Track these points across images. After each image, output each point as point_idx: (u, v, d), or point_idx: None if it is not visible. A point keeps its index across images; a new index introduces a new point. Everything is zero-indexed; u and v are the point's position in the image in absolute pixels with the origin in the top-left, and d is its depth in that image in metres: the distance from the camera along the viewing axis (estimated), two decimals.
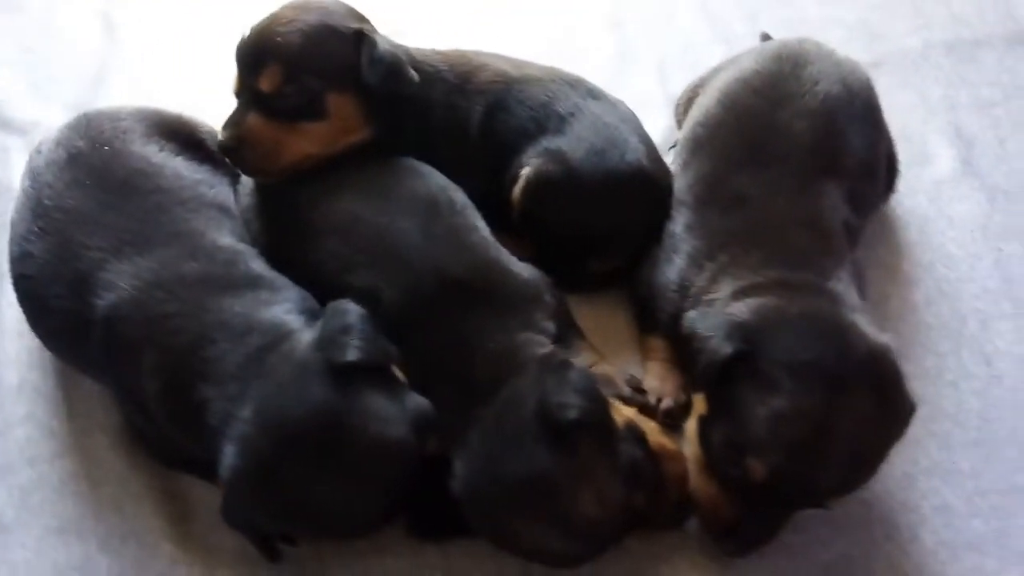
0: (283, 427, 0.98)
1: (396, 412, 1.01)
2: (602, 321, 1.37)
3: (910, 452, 1.22)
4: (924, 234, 1.46)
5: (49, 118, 1.64)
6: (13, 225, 1.25)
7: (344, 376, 1.00)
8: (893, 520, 1.17)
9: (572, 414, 1.00)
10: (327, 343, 1.01)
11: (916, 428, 1.22)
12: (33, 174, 1.25)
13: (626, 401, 1.21)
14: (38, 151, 1.28)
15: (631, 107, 1.52)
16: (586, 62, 1.74)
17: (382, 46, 1.27)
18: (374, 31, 1.30)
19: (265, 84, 1.23)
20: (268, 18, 1.28)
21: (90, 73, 1.78)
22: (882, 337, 1.05)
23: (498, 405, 1.05)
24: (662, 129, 1.58)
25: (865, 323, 1.06)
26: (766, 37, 1.67)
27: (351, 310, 1.06)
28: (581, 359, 1.25)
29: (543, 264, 1.31)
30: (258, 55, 1.24)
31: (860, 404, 0.99)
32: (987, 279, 1.40)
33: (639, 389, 1.25)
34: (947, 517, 1.18)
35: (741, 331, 1.03)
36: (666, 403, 1.23)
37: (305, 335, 1.05)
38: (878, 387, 1.01)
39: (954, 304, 1.38)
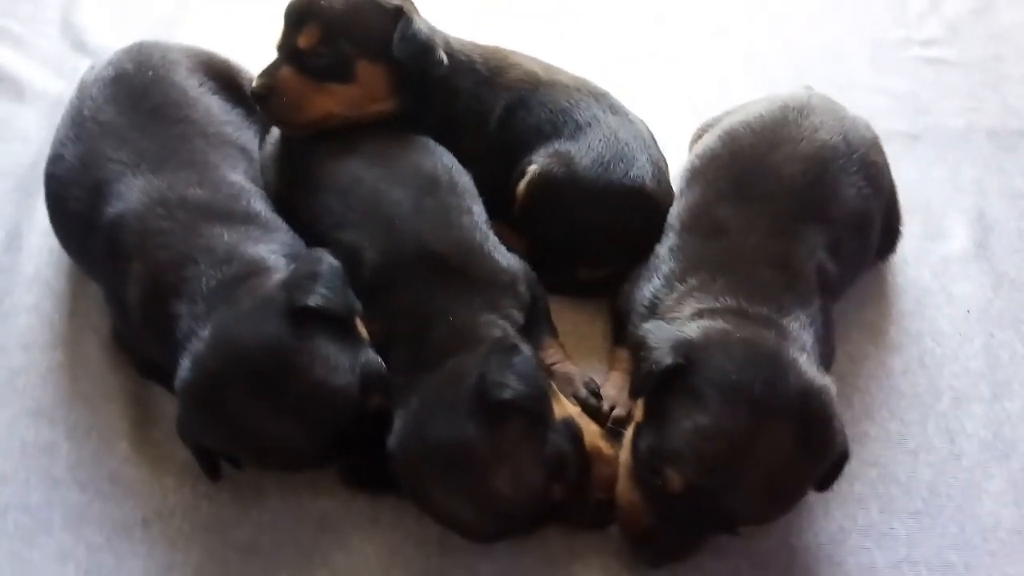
0: (233, 352, 1.04)
1: (345, 362, 1.07)
2: (581, 326, 1.40)
3: (850, 508, 1.22)
4: (920, 305, 1.46)
5: (119, 47, 1.77)
6: (56, 130, 1.35)
7: (302, 318, 1.05)
8: (816, 569, 1.17)
9: (506, 394, 1.04)
10: (293, 285, 1.08)
11: (862, 486, 1.24)
12: (81, 86, 1.36)
13: (580, 401, 1.25)
14: (91, 67, 1.39)
15: (659, 135, 1.58)
16: (623, 89, 1.81)
17: (417, 25, 1.34)
18: (415, 11, 1.37)
19: (303, 41, 1.32)
20: None
21: (165, 14, 1.91)
22: (822, 379, 1.06)
23: (443, 374, 1.09)
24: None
25: (808, 363, 1.07)
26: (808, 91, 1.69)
27: (324, 259, 1.12)
28: (547, 354, 1.30)
29: (535, 261, 1.36)
30: (302, 14, 1.33)
31: (781, 435, 1.01)
32: (971, 360, 1.39)
33: (595, 393, 1.27)
34: None
35: (684, 347, 1.06)
36: (617, 411, 1.25)
37: (279, 275, 1.12)
38: (804, 423, 1.02)
39: (932, 378, 1.37)
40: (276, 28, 1.50)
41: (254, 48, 1.61)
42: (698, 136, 1.51)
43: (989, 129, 1.76)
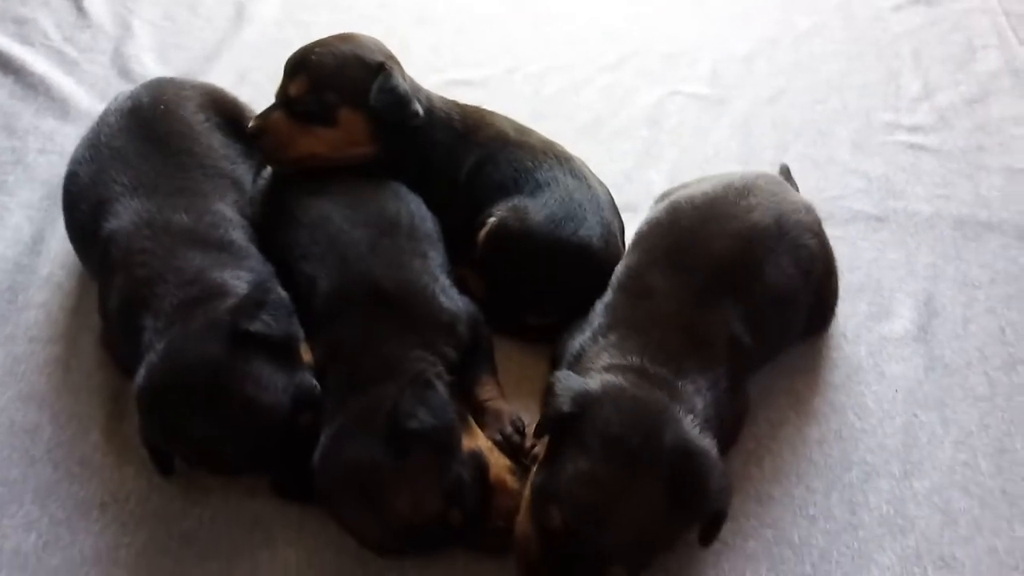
0: (176, 367, 1.20)
1: (278, 382, 1.21)
2: (526, 368, 1.52)
3: (740, 564, 1.30)
4: (849, 381, 1.53)
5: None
6: (75, 149, 1.54)
7: (242, 340, 1.20)
8: None
9: (413, 424, 1.16)
10: (238, 311, 1.22)
11: (756, 544, 1.32)
12: (103, 114, 1.55)
13: (504, 436, 1.36)
14: (115, 98, 1.58)
15: (635, 197, 1.70)
16: (614, 149, 1.93)
17: (395, 80, 1.49)
18: (395, 68, 1.53)
19: (293, 89, 1.49)
20: (316, 41, 1.53)
21: (208, 50, 2.11)
22: (701, 441, 1.15)
23: (365, 400, 1.22)
24: None
25: (691, 424, 1.16)
26: (785, 169, 1.78)
27: (272, 290, 1.27)
28: (483, 390, 1.41)
29: (489, 305, 1.49)
30: (295, 66, 1.50)
31: (651, 488, 1.10)
32: (889, 438, 1.45)
33: (519, 431, 1.38)
34: None
35: (582, 398, 1.17)
36: (537, 449, 1.35)
37: (232, 300, 1.26)
38: (674, 479, 1.11)
39: (846, 450, 1.43)
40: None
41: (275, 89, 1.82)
42: (659, 201, 1.62)
43: (956, 218, 1.82)
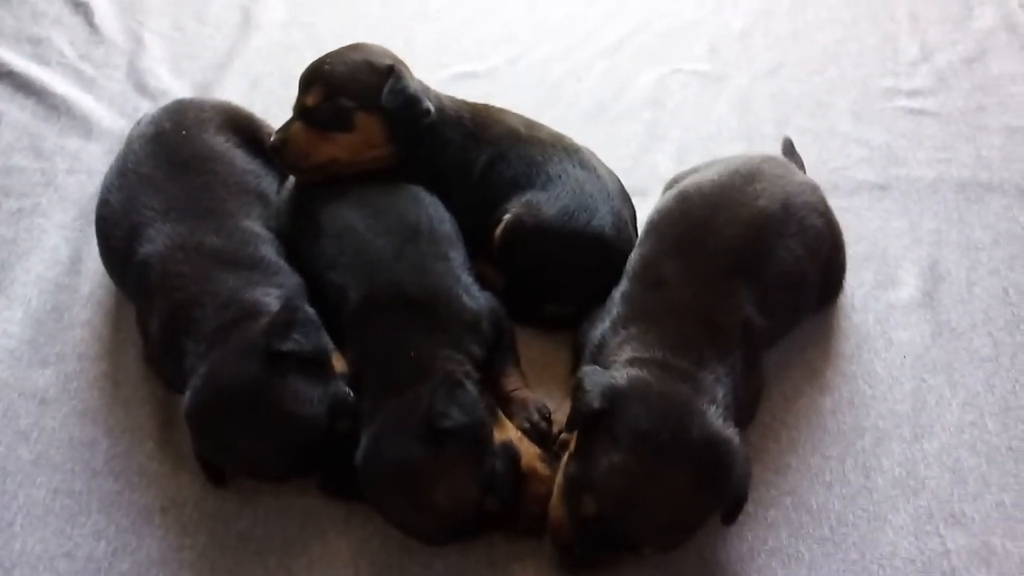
0: (219, 389, 1.29)
1: (314, 395, 1.29)
2: (548, 357, 1.59)
3: (762, 532, 1.38)
4: (859, 350, 1.59)
5: (176, 91, 2.04)
6: (105, 176, 1.61)
7: (277, 359, 1.28)
8: None
9: (447, 423, 1.24)
10: (271, 331, 1.30)
11: (776, 513, 1.40)
12: (128, 140, 1.62)
13: (531, 425, 1.43)
14: (138, 123, 1.64)
15: (643, 181, 1.76)
16: (619, 133, 1.98)
17: (405, 81, 1.55)
18: (404, 70, 1.59)
19: (310, 100, 1.55)
20: (327, 54, 1.59)
21: (219, 58, 2.16)
22: (725, 432, 1.23)
23: (401, 402, 1.30)
24: None
25: (715, 416, 1.23)
26: (787, 143, 1.83)
27: (300, 308, 1.35)
28: (508, 381, 1.49)
29: (509, 297, 1.56)
30: (310, 78, 1.57)
31: (679, 479, 1.18)
32: (899, 403, 1.52)
33: (546, 418, 1.46)
34: None
35: (611, 393, 1.24)
36: (564, 436, 1.43)
37: (266, 319, 1.33)
38: (702, 470, 1.19)
39: (859, 417, 1.51)
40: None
41: (287, 95, 1.87)
42: (669, 187, 1.67)
43: (958, 181, 1.87)
